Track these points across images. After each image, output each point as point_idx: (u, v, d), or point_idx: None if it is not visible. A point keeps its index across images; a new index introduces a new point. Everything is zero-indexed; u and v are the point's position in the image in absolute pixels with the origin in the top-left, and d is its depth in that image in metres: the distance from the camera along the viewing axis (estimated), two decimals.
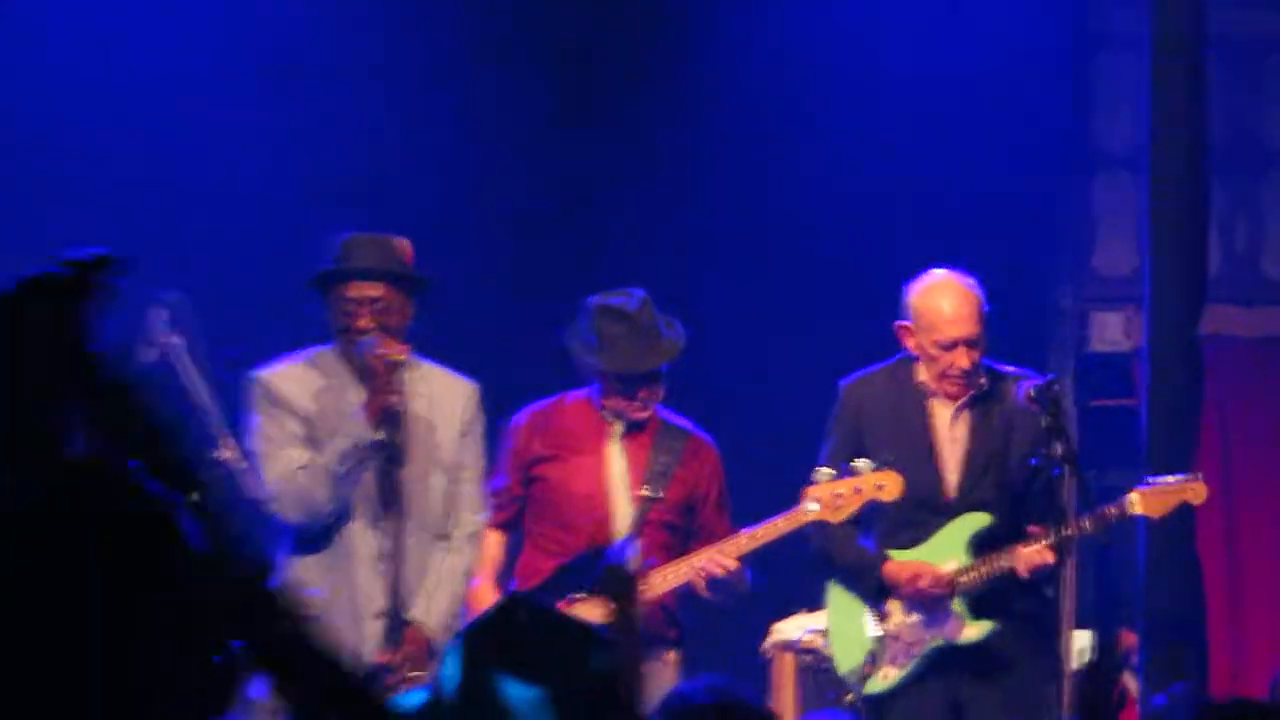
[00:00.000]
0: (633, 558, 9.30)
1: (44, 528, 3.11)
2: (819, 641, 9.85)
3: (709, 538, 9.40)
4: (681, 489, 9.49)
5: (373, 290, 9.17)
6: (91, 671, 3.11)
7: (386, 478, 9.04)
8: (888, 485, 9.25)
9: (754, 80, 12.23)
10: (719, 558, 9.28)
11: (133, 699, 3.12)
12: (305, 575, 9.06)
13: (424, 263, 9.39)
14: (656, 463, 9.50)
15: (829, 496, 9.27)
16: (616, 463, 9.51)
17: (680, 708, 5.11)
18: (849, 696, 9.50)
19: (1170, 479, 9.63)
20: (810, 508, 9.24)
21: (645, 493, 9.44)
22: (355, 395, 9.14)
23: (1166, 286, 11.09)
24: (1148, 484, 9.54)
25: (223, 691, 3.22)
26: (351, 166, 12.03)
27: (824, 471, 9.29)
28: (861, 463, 9.29)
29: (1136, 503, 9.39)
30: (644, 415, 9.41)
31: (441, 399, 9.31)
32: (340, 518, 9.17)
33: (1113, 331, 12.52)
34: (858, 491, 9.25)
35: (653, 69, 12.42)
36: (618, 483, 9.51)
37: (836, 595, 9.60)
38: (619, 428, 9.44)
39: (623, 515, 9.44)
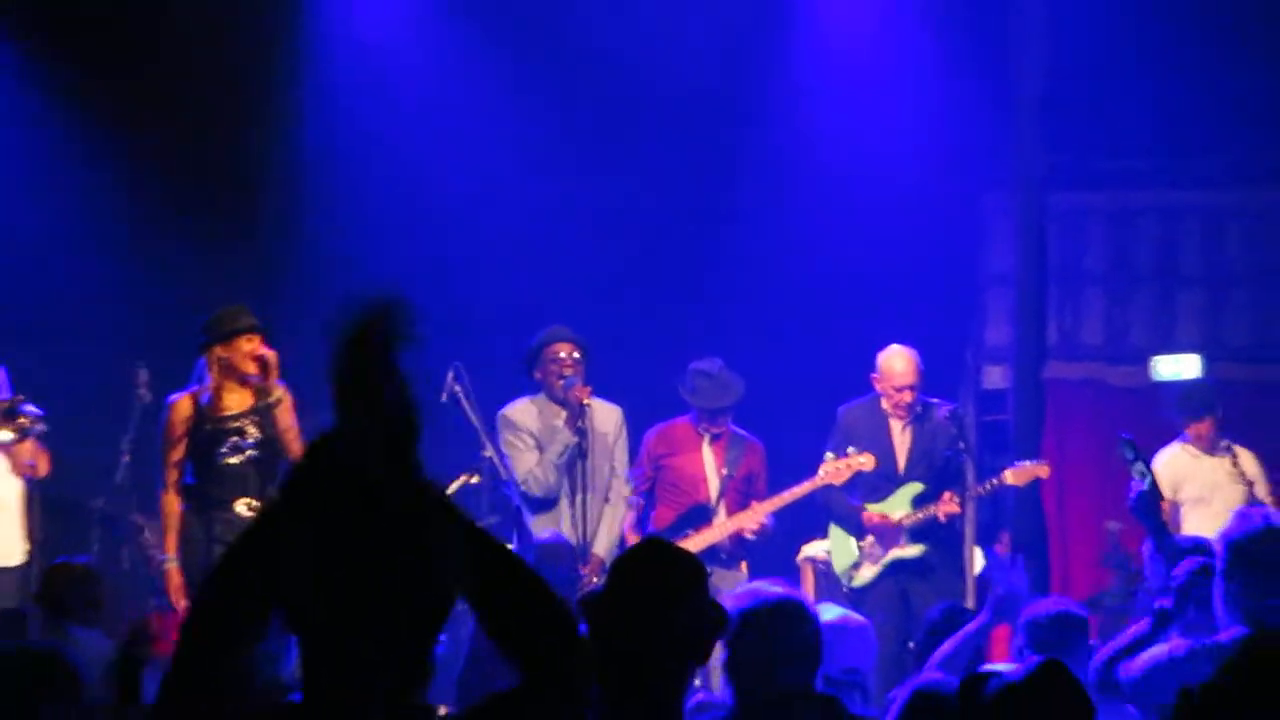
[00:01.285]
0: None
1: (381, 495, 2.83)
2: (826, 556, 10.06)
3: (760, 498, 9.68)
4: (744, 469, 9.74)
5: (571, 349, 9.39)
6: (399, 591, 2.84)
7: (577, 466, 9.28)
8: (867, 462, 9.56)
9: (787, 206, 11.97)
10: (774, 503, 9.58)
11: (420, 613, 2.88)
12: (540, 525, 9.30)
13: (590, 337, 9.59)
14: (729, 456, 9.74)
15: (833, 469, 9.57)
16: (708, 457, 9.76)
17: (754, 606, 4.92)
18: (844, 589, 9.71)
19: (1028, 463, 9.95)
20: (823, 475, 9.58)
21: (724, 472, 9.71)
22: (559, 418, 9.34)
23: (1024, 352, 11.30)
24: (1015, 465, 9.88)
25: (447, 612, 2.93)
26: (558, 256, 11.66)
27: (830, 456, 9.60)
28: (852, 450, 9.59)
29: (1008, 477, 9.75)
30: (720, 430, 9.73)
31: (605, 419, 9.49)
32: (558, 490, 9.41)
33: (995, 378, 12.54)
34: (849, 466, 9.57)
35: (723, 195, 12.03)
36: (709, 468, 9.76)
37: (835, 530, 9.91)
38: (708, 437, 9.75)
39: (712, 486, 9.73)
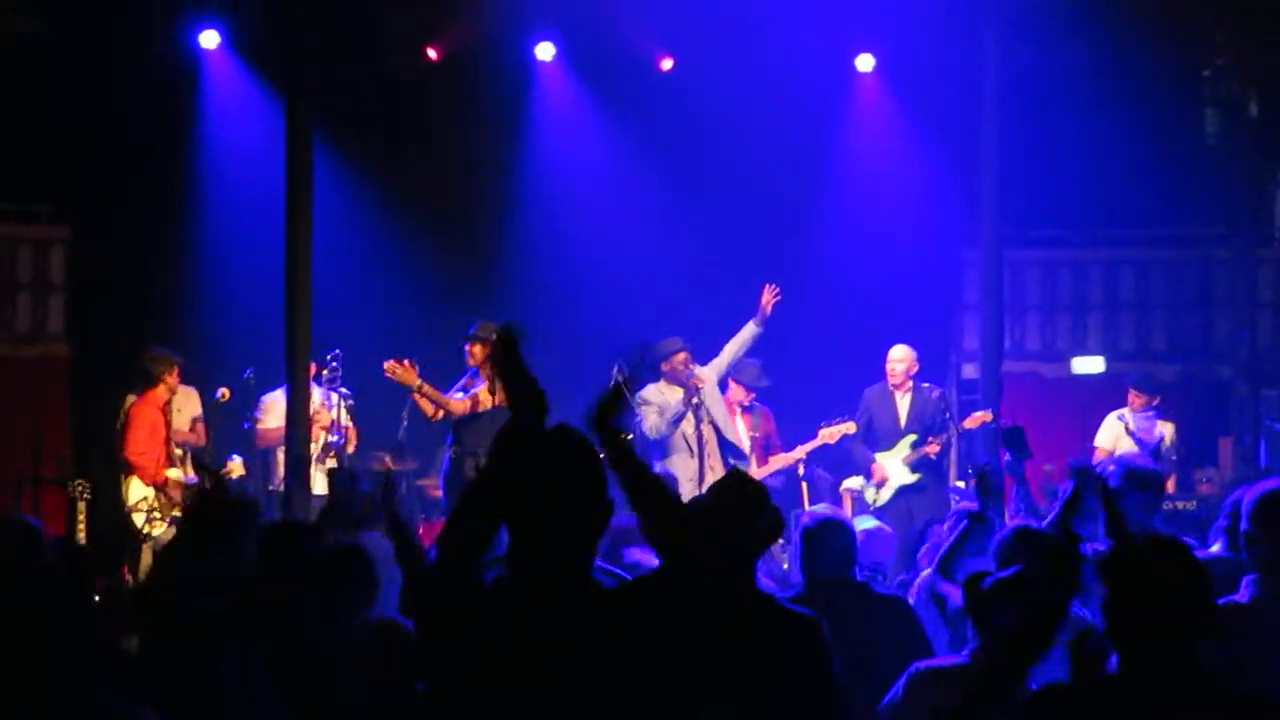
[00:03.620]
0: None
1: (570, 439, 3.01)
2: (858, 487, 10.29)
3: (775, 451, 10.11)
4: (763, 430, 10.21)
5: (687, 355, 9.89)
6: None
7: (696, 425, 9.67)
8: (849, 428, 9.99)
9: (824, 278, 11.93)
10: (791, 456, 9.99)
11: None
12: (668, 464, 9.56)
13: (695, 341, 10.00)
14: (754, 421, 10.19)
15: (828, 433, 10.05)
16: (740, 422, 10.14)
17: (808, 524, 4.92)
18: (871, 507, 9.85)
19: (976, 413, 10.31)
20: (821, 437, 9.98)
21: (753, 434, 10.17)
22: (674, 395, 9.79)
23: (988, 354, 10.90)
24: (971, 415, 10.37)
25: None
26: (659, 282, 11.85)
27: (823, 424, 10.02)
28: (839, 419, 9.97)
29: (965, 423, 10.19)
30: (749, 402, 10.17)
31: (712, 392, 9.85)
32: (672, 439, 9.70)
33: (970, 371, 12.46)
34: (838, 430, 10.02)
35: (782, 244, 11.91)
36: (741, 429, 10.12)
37: (860, 469, 10.38)
38: (739, 410, 10.14)
39: (745, 444, 10.08)
